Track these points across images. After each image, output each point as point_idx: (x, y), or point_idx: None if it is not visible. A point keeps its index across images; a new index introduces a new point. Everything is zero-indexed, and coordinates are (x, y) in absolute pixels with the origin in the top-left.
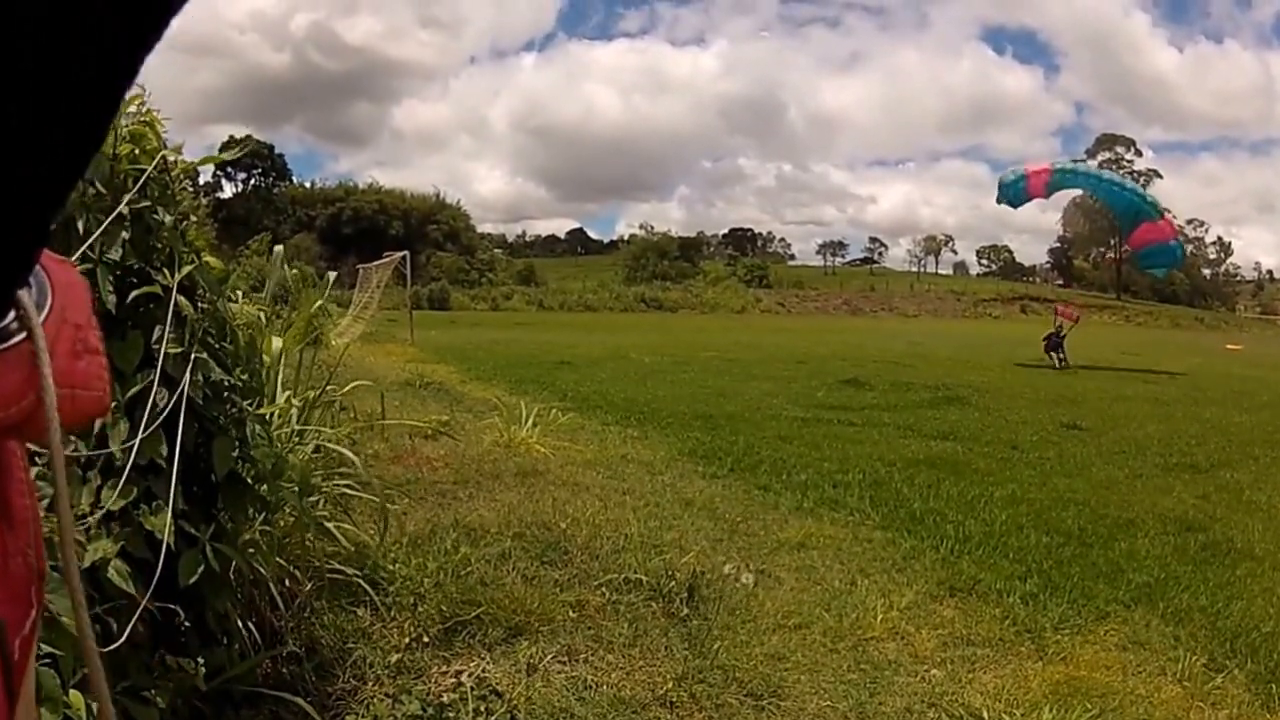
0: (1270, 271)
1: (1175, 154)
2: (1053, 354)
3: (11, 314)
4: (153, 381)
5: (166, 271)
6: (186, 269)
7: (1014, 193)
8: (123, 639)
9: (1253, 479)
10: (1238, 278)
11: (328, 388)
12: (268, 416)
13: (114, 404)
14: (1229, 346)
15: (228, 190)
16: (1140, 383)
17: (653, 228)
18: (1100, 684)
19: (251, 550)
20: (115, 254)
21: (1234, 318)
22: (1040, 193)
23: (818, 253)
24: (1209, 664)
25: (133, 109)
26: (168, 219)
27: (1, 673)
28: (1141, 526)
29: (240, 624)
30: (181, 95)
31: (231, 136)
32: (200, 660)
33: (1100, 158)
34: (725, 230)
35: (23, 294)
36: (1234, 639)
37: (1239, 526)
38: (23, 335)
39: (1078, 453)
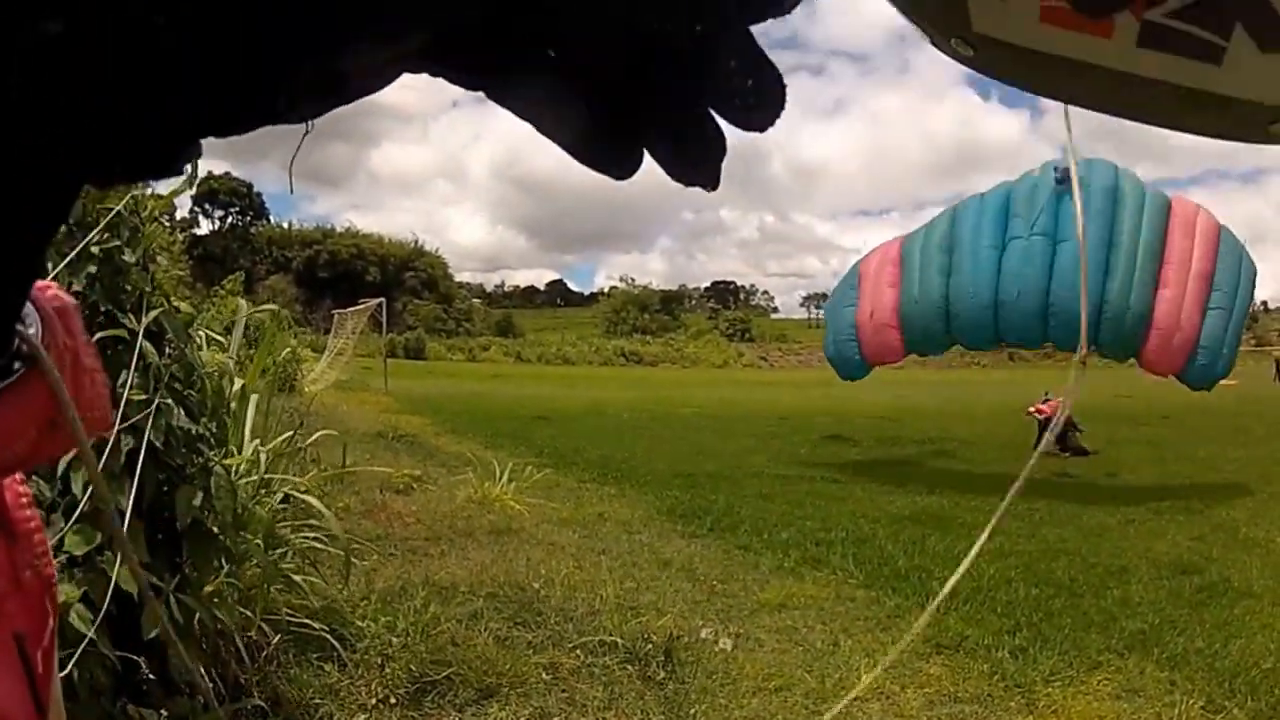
0: (1264, 303)
1: (1163, 189)
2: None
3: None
4: (117, 427)
5: (133, 316)
6: (154, 313)
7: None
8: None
9: (1250, 516)
10: None
11: (298, 437)
12: (234, 466)
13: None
14: (1223, 381)
15: (204, 227)
16: (1129, 425)
17: (633, 280)
18: None
19: (216, 601)
20: (79, 285)
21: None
22: (890, 351)
23: (801, 305)
24: (1207, 706)
25: None
26: (134, 259)
27: (28, 685)
28: (1134, 572)
29: (204, 675)
30: None
31: (210, 172)
32: (163, 712)
33: None
34: (707, 283)
35: (22, 328)
36: (1233, 679)
37: (1236, 565)
38: (19, 370)
39: (1068, 500)
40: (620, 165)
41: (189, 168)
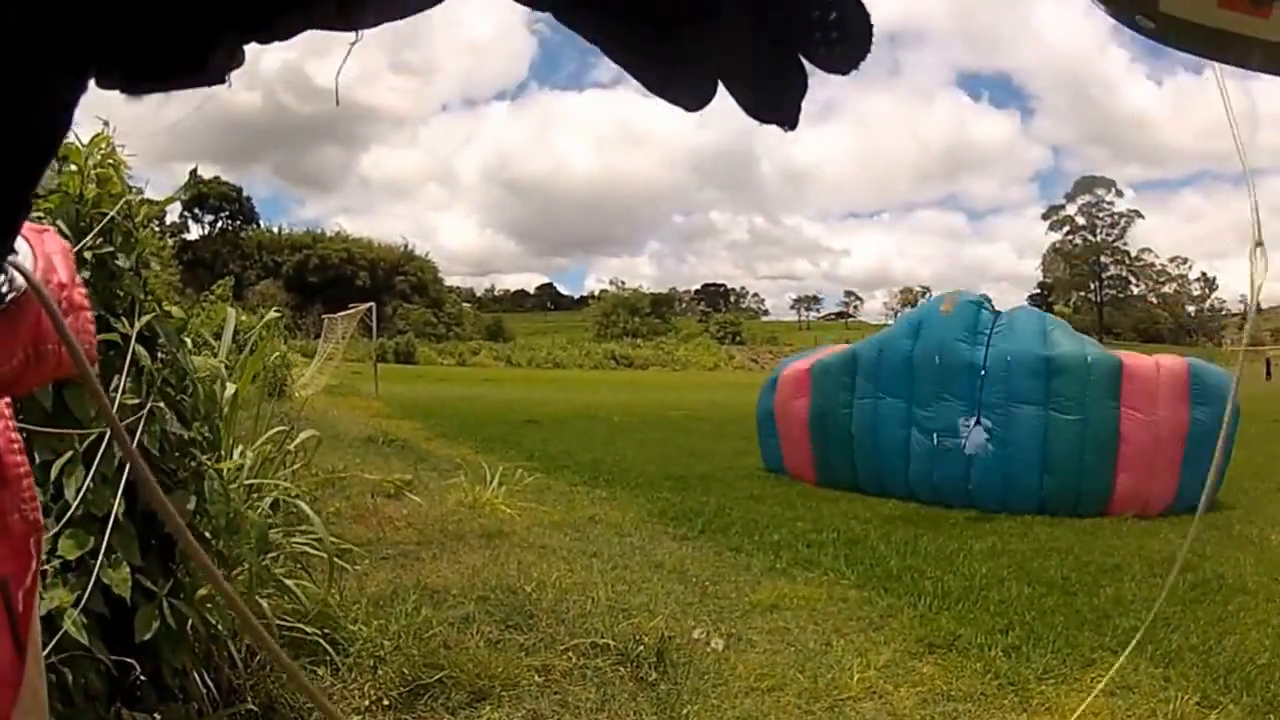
0: (1257, 303)
1: (1156, 191)
2: None
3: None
4: (108, 432)
5: (126, 320)
6: (146, 318)
7: None
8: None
9: (1243, 514)
10: (1223, 312)
11: (288, 441)
12: (225, 470)
13: (70, 453)
14: None
15: (194, 232)
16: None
17: (623, 283)
18: None
19: (209, 606)
20: None
21: (1220, 352)
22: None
23: (791, 307)
24: (1202, 701)
25: (103, 146)
26: (127, 265)
27: (8, 626)
28: (1127, 570)
29: (199, 680)
30: (150, 130)
31: (200, 176)
32: (157, 716)
33: (1081, 201)
34: (697, 286)
35: (14, 259)
36: (1227, 674)
37: (1230, 562)
38: (10, 296)
39: None
40: (686, 94)
41: (188, 174)
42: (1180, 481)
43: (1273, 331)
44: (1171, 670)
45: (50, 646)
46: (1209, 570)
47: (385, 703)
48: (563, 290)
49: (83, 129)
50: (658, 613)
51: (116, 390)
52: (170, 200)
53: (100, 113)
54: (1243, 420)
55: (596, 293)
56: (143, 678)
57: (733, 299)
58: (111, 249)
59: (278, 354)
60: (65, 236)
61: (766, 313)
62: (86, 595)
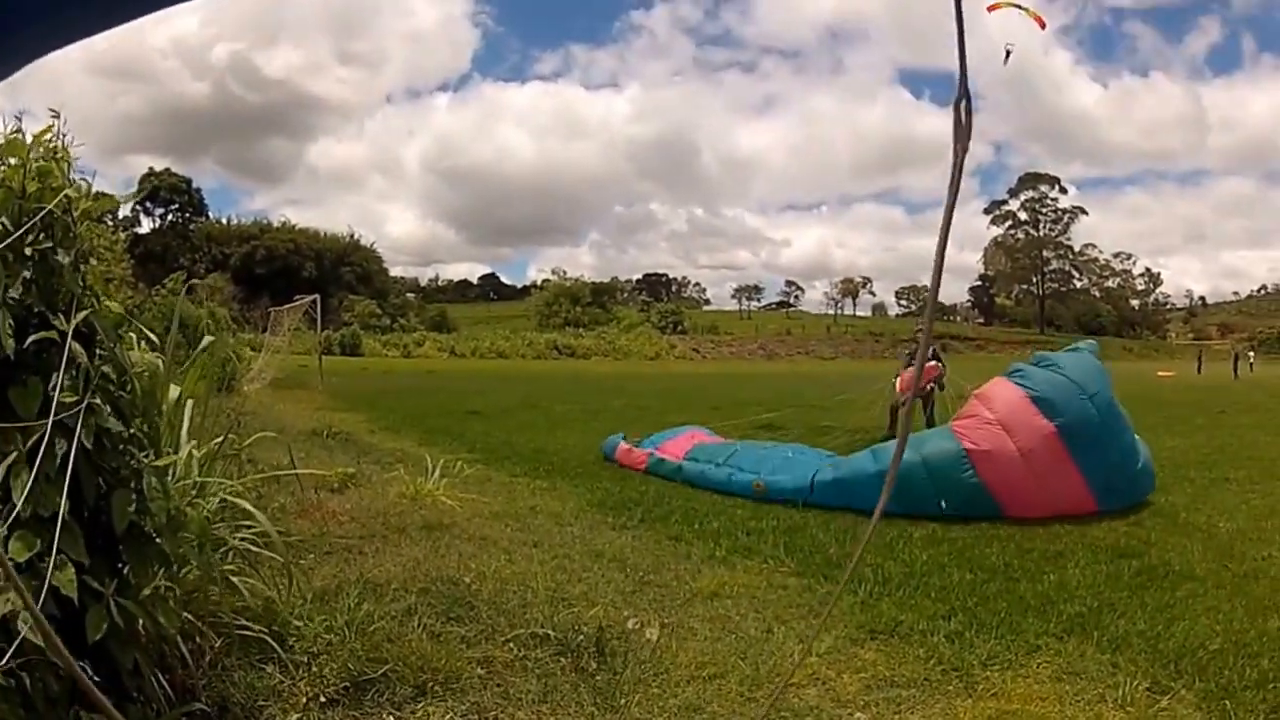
0: (1202, 298)
1: (1098, 189)
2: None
3: None
4: (51, 430)
5: (64, 316)
6: (83, 314)
7: None
8: None
9: (1189, 501)
10: (1168, 306)
11: (234, 437)
12: (168, 468)
13: (15, 453)
14: (1160, 373)
15: (145, 225)
16: None
17: (565, 273)
18: (1035, 715)
19: (158, 605)
20: (16, 292)
21: (1166, 345)
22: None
23: (733, 297)
24: (1152, 687)
25: (46, 139)
26: (67, 260)
27: None
28: (1071, 557)
29: (154, 681)
30: (102, 122)
31: (151, 169)
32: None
33: (1024, 196)
34: (638, 275)
35: None
36: (1178, 660)
37: (1177, 549)
38: None
39: None
40: None
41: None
42: (1089, 484)
43: (1218, 326)
44: (1119, 656)
45: (9, 652)
46: (1155, 557)
47: (323, 699)
48: (505, 280)
49: (36, 123)
50: (597, 602)
51: (55, 389)
52: (113, 202)
53: (53, 104)
54: (1188, 410)
55: (539, 282)
56: (97, 679)
57: (674, 288)
58: (51, 244)
59: (226, 349)
60: (6, 231)
61: (708, 302)
62: (42, 598)
